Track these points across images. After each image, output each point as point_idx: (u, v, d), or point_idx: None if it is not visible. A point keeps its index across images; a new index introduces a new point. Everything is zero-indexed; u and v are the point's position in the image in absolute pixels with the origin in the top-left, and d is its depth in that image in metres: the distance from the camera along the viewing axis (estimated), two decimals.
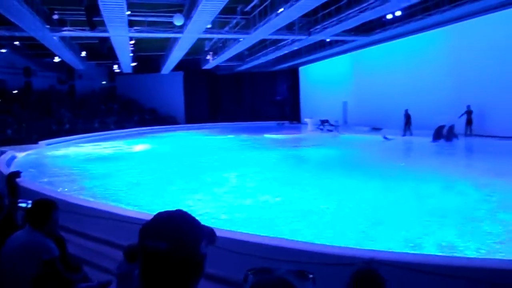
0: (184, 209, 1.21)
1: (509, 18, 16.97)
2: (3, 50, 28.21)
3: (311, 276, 1.25)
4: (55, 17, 19.61)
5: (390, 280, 3.32)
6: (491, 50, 18.08)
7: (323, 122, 27.30)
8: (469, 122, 18.85)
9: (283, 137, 23.68)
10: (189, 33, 20.78)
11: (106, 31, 19.65)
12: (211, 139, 24.19)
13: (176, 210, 1.19)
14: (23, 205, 3.77)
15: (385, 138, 20.22)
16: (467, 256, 4.56)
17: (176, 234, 1.08)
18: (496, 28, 17.80)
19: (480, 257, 4.63)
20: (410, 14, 19.26)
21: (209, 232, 1.21)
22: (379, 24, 21.50)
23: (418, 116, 21.19)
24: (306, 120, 29.96)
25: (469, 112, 18.82)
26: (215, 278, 3.34)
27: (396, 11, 19.01)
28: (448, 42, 20.76)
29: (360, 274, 1.98)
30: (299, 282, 1.20)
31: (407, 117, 21.32)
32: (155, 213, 1.17)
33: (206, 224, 1.28)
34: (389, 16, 20.11)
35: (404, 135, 21.22)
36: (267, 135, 24.52)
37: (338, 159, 14.93)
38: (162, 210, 1.19)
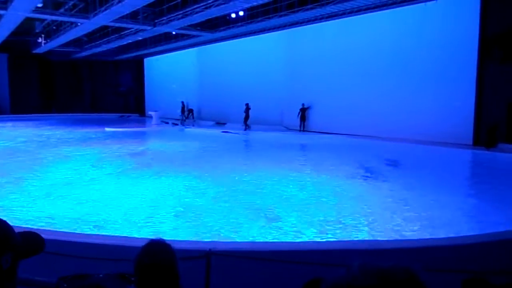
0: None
1: (334, 28, 19.37)
2: None
3: (133, 279, 1.18)
4: None
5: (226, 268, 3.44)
6: (318, 55, 20.48)
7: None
8: (303, 118, 21.04)
9: (123, 131, 22.55)
10: (15, 10, 18.24)
11: None
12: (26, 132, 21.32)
13: None
14: None
15: (226, 132, 21.07)
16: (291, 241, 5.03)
17: None
18: (322, 36, 20.22)
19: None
20: (252, 15, 20.36)
21: (26, 242, 1.04)
22: (224, 22, 22.21)
23: (257, 111, 22.78)
24: (151, 113, 29.23)
25: (303, 110, 20.94)
26: (30, 284, 2.98)
27: (239, 11, 19.85)
28: (284, 44, 22.65)
29: None
30: (120, 286, 1.13)
31: (247, 111, 22.77)
32: None
33: (33, 232, 1.11)
34: (233, 15, 20.97)
35: (245, 129, 22.45)
36: (108, 129, 23.14)
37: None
38: None
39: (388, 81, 17.36)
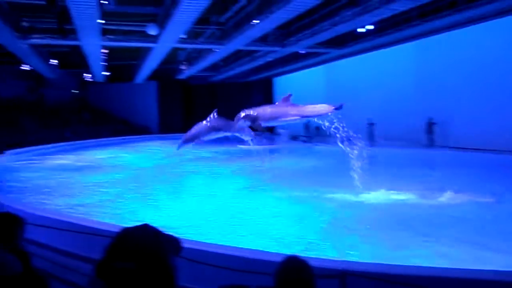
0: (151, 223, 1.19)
1: (471, 35, 17.74)
2: None
3: None
4: (25, 24, 19.20)
5: None
6: (453, 66, 18.92)
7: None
8: (430, 133, 19.66)
9: (255, 148, 23.63)
10: (163, 42, 20.68)
11: (77, 39, 19.34)
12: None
13: (141, 225, 1.16)
14: None
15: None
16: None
17: (143, 251, 1.06)
18: (459, 44, 18.65)
19: None
20: (381, 28, 19.74)
21: (173, 242, 1.20)
22: (352, 37, 21.93)
23: (384, 126, 21.78)
24: (281, 131, 30.09)
25: (430, 124, 19.69)
26: None
27: (367, 25, 19.44)
28: (415, 55, 21.43)
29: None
30: None
31: (369, 127, 21.96)
32: (123, 227, 1.15)
33: (171, 233, 1.27)
34: (361, 30, 20.57)
35: (371, 145, 21.55)
36: (241, 146, 24.52)
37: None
38: (127, 226, 1.17)
39: None
